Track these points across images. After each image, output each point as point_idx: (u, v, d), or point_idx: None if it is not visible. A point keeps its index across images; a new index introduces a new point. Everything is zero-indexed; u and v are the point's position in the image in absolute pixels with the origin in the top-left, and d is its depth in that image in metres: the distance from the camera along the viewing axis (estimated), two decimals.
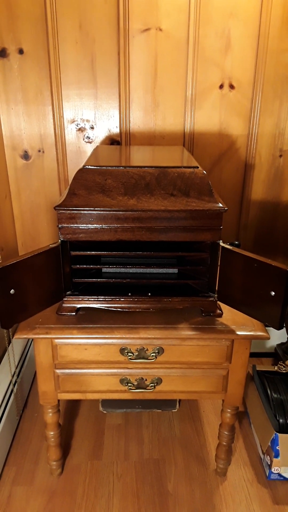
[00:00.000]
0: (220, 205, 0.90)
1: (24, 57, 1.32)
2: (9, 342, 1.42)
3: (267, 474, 1.21)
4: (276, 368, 1.39)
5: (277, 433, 1.16)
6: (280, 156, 1.46)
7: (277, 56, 1.34)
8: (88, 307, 1.00)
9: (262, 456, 1.27)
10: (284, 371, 1.38)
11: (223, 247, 0.92)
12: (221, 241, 0.93)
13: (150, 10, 1.28)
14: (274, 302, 0.83)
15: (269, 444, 1.19)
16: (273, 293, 0.82)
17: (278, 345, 1.67)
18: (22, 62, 1.33)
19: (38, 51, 1.31)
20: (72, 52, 1.32)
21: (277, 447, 1.17)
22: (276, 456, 1.17)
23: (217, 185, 1.49)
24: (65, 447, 1.31)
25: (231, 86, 1.37)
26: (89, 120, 1.41)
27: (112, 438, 1.35)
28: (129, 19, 1.28)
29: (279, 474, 1.19)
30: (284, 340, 1.69)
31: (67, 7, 1.27)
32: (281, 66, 1.35)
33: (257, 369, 1.40)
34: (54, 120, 1.40)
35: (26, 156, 1.45)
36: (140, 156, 1.14)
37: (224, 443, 1.16)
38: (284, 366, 1.39)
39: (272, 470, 1.19)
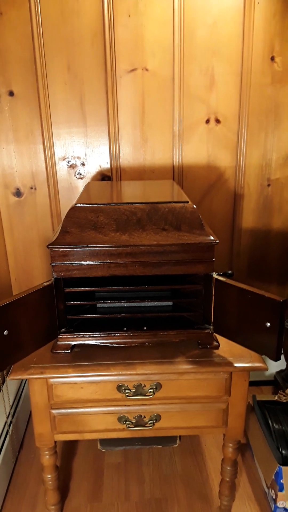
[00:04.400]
0: (212, 238, 0.91)
1: (14, 98, 1.36)
2: (3, 381, 1.39)
3: (273, 509, 1.18)
4: (276, 397, 1.37)
5: (281, 466, 1.14)
6: (268, 185, 1.49)
7: (260, 91, 1.38)
8: (83, 344, 0.99)
9: (266, 490, 1.24)
10: (284, 401, 1.36)
11: (216, 279, 0.93)
12: (214, 273, 0.93)
13: (135, 51, 1.33)
14: (270, 333, 0.83)
15: (273, 477, 1.16)
16: (268, 324, 0.82)
17: (278, 372, 1.66)
18: (13, 104, 1.36)
19: (28, 93, 1.35)
20: (62, 93, 1.36)
21: (281, 481, 1.14)
22: (281, 489, 1.14)
23: (207, 215, 1.51)
24: (63, 489, 1.27)
25: (217, 121, 1.41)
26: (80, 157, 1.43)
27: (112, 478, 1.31)
28: (115, 60, 1.33)
29: (285, 509, 1.16)
30: (283, 367, 1.68)
31: (55, 51, 1.32)
32: (265, 99, 1.39)
33: (258, 399, 1.38)
34: (45, 158, 1.43)
35: (18, 193, 1.46)
36: (130, 192, 1.16)
37: (227, 479, 1.13)
38: (284, 395, 1.37)
39: (278, 504, 1.15)
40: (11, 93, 1.35)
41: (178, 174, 1.46)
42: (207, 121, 1.41)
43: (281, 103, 1.40)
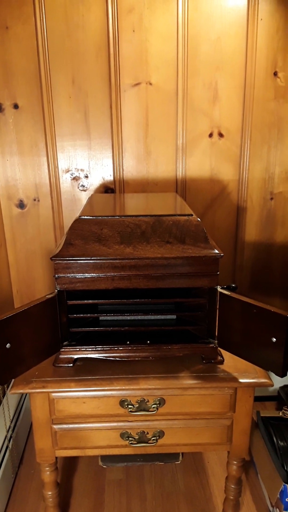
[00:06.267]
0: (216, 251, 0.90)
1: (19, 111, 1.36)
2: (4, 394, 1.37)
3: None
4: (280, 413, 1.35)
5: (286, 484, 1.11)
6: (271, 199, 1.49)
7: (263, 105, 1.39)
8: (86, 358, 0.97)
9: (271, 509, 1.21)
10: None
11: (221, 292, 0.92)
12: (219, 286, 0.92)
13: (140, 65, 1.34)
14: (276, 348, 0.81)
15: (278, 496, 1.14)
16: (274, 340, 0.81)
17: (281, 388, 1.64)
18: (17, 116, 1.37)
19: (32, 105, 1.36)
20: (66, 106, 1.37)
21: (286, 499, 1.11)
22: (286, 509, 1.12)
23: (210, 228, 1.51)
24: (63, 506, 1.24)
25: (220, 134, 1.41)
26: (84, 169, 1.44)
27: (113, 495, 1.28)
28: (120, 74, 1.34)
29: None
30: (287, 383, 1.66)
31: (60, 64, 1.33)
32: (268, 114, 1.40)
33: (262, 415, 1.36)
34: (49, 170, 1.43)
35: (21, 205, 1.46)
36: (134, 204, 1.15)
37: (231, 497, 1.10)
38: None
39: None
40: (15, 106, 1.36)
41: (181, 187, 1.46)
42: (210, 135, 1.41)
43: (283, 117, 1.41)
